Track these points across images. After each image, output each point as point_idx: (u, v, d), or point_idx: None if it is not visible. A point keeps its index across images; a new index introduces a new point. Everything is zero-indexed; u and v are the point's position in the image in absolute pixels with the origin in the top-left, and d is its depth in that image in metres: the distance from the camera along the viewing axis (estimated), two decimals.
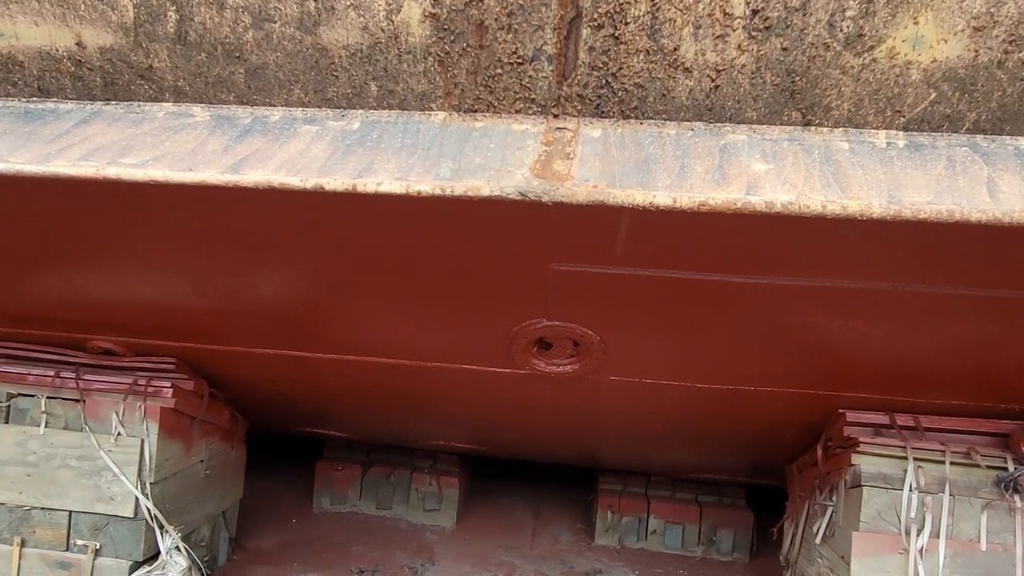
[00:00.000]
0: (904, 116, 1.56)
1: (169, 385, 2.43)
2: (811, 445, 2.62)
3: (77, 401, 2.40)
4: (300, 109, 1.69)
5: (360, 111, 1.68)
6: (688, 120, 1.62)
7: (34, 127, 1.67)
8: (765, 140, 1.58)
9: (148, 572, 2.31)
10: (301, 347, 2.40)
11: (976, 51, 1.47)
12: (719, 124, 1.61)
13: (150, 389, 2.41)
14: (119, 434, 2.36)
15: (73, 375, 2.42)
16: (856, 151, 1.55)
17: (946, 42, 1.47)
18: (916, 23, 1.46)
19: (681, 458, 3.25)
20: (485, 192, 1.43)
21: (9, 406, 2.41)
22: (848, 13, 1.45)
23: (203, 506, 2.73)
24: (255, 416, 3.10)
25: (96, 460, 2.35)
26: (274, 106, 1.70)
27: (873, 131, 1.59)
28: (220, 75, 1.67)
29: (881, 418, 2.28)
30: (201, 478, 2.70)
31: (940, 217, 1.37)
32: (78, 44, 1.66)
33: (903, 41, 1.47)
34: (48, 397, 2.39)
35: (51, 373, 2.43)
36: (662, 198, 1.41)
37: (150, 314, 2.32)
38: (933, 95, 1.53)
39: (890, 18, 1.45)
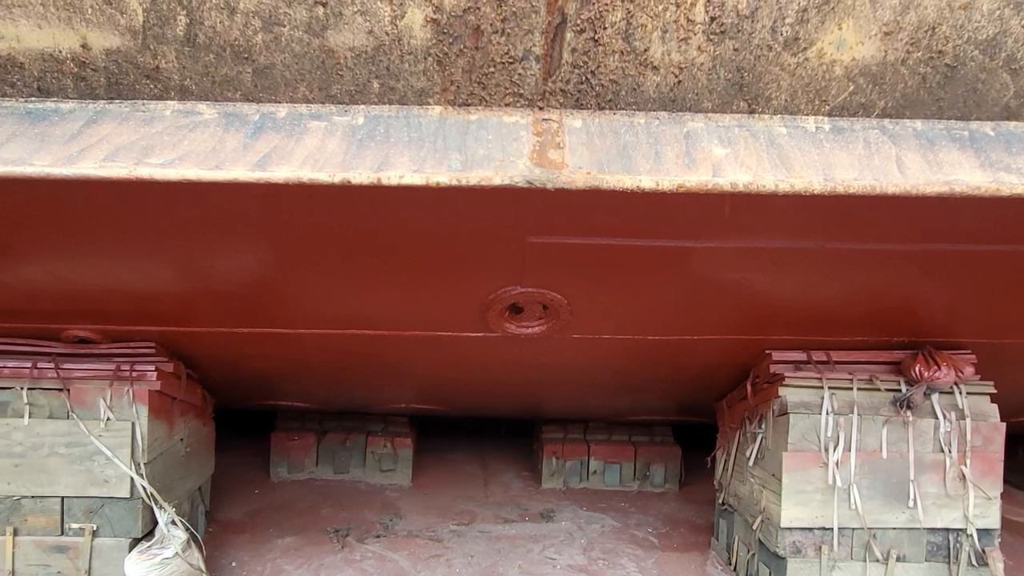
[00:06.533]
0: (828, 104, 1.88)
1: (153, 369, 2.50)
2: (739, 383, 3.01)
3: (60, 390, 2.44)
4: (305, 105, 1.82)
5: (362, 106, 1.83)
6: (654, 110, 1.87)
7: (43, 128, 1.73)
8: (720, 127, 1.86)
9: (149, 547, 2.42)
10: (284, 324, 2.53)
11: (885, 51, 1.80)
12: (680, 113, 1.88)
13: (134, 373, 2.48)
14: (108, 419, 2.42)
15: (51, 365, 2.45)
16: (792, 135, 1.86)
17: (863, 44, 1.79)
18: (840, 29, 1.76)
19: (621, 403, 3.59)
20: (496, 181, 1.64)
21: None
22: (787, 20, 1.74)
23: (184, 482, 2.83)
24: (221, 393, 3.19)
25: (87, 446, 2.41)
26: (279, 103, 1.82)
27: (804, 117, 1.90)
28: (227, 74, 1.77)
29: (799, 356, 2.67)
30: (182, 456, 2.79)
31: (865, 191, 1.70)
32: (83, 46, 1.71)
33: (830, 43, 1.78)
34: (29, 388, 2.42)
35: (28, 365, 2.45)
36: (647, 182, 1.67)
37: (131, 301, 2.38)
38: (852, 87, 1.85)
39: (820, 24, 1.75)
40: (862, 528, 2.48)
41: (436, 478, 4.09)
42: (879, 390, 2.56)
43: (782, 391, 2.58)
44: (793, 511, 2.49)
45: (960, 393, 2.51)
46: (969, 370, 2.53)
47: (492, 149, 1.74)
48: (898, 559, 2.49)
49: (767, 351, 2.70)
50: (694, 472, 4.12)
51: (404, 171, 1.64)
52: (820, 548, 2.49)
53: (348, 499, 3.67)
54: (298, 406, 3.67)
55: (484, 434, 4.82)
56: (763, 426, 2.74)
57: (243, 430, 4.19)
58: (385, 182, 1.62)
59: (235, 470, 3.98)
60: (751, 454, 2.78)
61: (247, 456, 4.17)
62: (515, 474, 4.28)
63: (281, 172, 1.62)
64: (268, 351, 2.72)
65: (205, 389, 3.06)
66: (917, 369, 2.50)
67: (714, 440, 3.67)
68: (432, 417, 4.23)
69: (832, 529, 2.48)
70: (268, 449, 4.01)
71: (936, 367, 2.48)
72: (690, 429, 4.15)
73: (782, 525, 2.49)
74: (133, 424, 2.43)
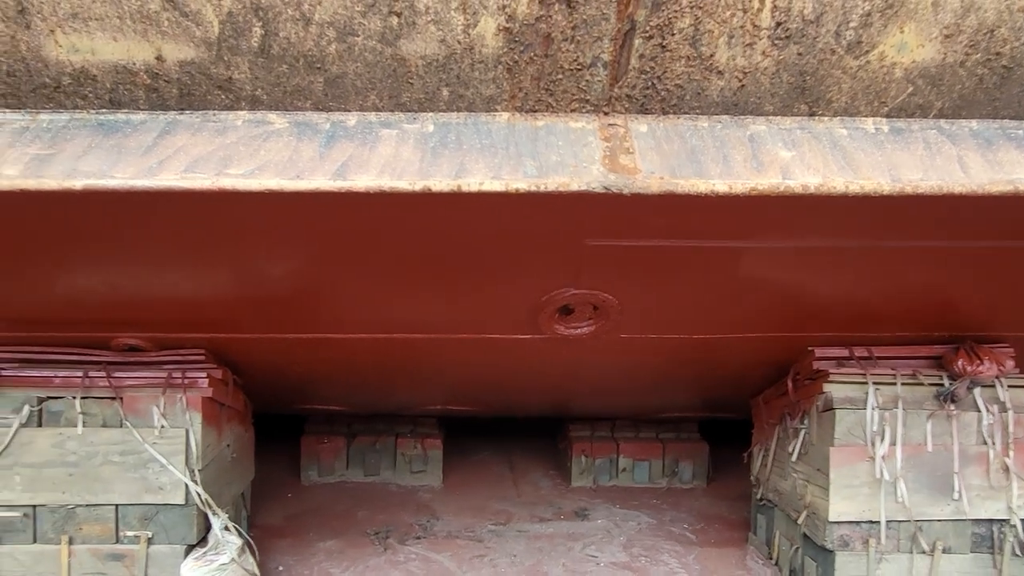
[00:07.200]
0: (887, 106, 1.91)
1: (205, 376, 2.51)
2: (777, 379, 3.04)
3: (112, 399, 2.44)
4: (374, 113, 1.84)
5: (431, 114, 1.84)
6: (716, 114, 1.90)
7: (117, 140, 1.73)
8: (782, 129, 1.89)
9: (204, 553, 2.43)
10: (333, 329, 2.54)
11: (945, 53, 1.83)
12: (742, 116, 1.90)
13: (186, 380, 2.49)
14: (162, 427, 2.43)
15: (103, 374, 2.46)
16: (853, 136, 1.89)
17: (923, 47, 1.82)
18: (902, 32, 1.79)
19: (654, 401, 3.63)
20: (574, 187, 1.66)
21: (41, 410, 2.42)
22: (851, 24, 1.77)
23: (231, 488, 2.84)
24: (260, 398, 3.19)
25: (141, 454, 2.42)
26: (349, 111, 1.84)
27: (863, 119, 1.93)
28: (299, 84, 1.78)
29: (842, 352, 2.71)
30: (228, 461, 2.80)
31: (932, 191, 1.74)
32: (157, 58, 1.72)
33: (891, 46, 1.81)
34: (82, 397, 2.42)
35: (79, 374, 2.45)
36: (720, 186, 1.69)
37: (181, 309, 2.39)
38: (910, 89, 1.88)
39: (883, 28, 1.78)
40: (908, 521, 2.52)
41: (466, 478, 4.11)
42: (922, 384, 2.60)
43: (827, 387, 2.62)
44: (841, 505, 2.52)
45: (1002, 386, 2.55)
46: (1010, 363, 2.57)
47: (564, 155, 1.76)
48: (944, 550, 2.53)
49: (809, 348, 2.73)
50: (719, 468, 4.17)
51: (483, 178, 1.66)
52: (867, 541, 2.53)
53: (382, 501, 3.69)
54: (334, 410, 3.68)
55: (508, 433, 4.83)
56: (806, 422, 2.77)
57: (268, 434, 4.19)
58: (465, 189, 1.64)
59: (265, 474, 3.96)
60: (794, 449, 2.82)
61: (275, 460, 4.17)
62: (543, 473, 4.30)
63: (361, 180, 1.64)
64: (315, 356, 2.73)
65: (246, 394, 3.07)
66: (960, 363, 2.54)
67: (739, 436, 3.71)
68: (458, 417, 4.24)
69: (879, 522, 2.52)
70: (295, 452, 4.02)
71: (979, 361, 2.52)
72: (714, 425, 4.19)
73: (830, 519, 2.52)
74: (187, 431, 2.44)
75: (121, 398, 2.44)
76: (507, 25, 1.71)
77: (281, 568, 2.88)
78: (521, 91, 1.83)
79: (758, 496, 3.22)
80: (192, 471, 2.44)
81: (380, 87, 1.80)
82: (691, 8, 1.71)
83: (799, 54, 1.80)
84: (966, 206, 1.85)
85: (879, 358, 2.68)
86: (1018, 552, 2.52)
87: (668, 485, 4.07)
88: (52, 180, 1.61)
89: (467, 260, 2.12)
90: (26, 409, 2.40)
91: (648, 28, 1.74)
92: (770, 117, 1.91)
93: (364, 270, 2.19)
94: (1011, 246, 2.17)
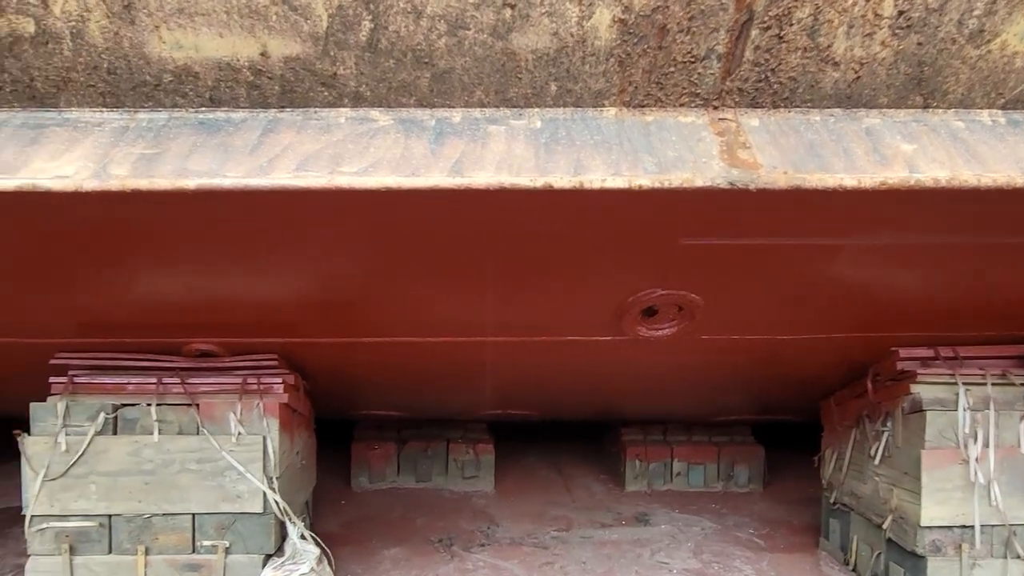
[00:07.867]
0: (1004, 97, 1.85)
1: (280, 381, 2.46)
2: (850, 381, 2.98)
3: (188, 406, 2.39)
4: (479, 110, 1.79)
5: (536, 109, 1.79)
6: (828, 107, 1.84)
7: (221, 138, 1.68)
8: (896, 123, 1.83)
9: (283, 562, 2.37)
10: (408, 333, 2.48)
11: None
12: (854, 110, 1.85)
13: (262, 386, 2.43)
14: (240, 434, 2.38)
15: (177, 380, 2.41)
16: (971, 129, 1.83)
17: None
18: None
19: (715, 402, 3.56)
20: (698, 183, 1.60)
21: (116, 417, 2.37)
22: (975, 12, 1.71)
23: (300, 495, 2.79)
24: (320, 404, 3.14)
25: (218, 461, 2.37)
26: (453, 107, 1.78)
27: (977, 111, 1.87)
28: (405, 80, 1.73)
29: (926, 352, 2.64)
30: (299, 468, 2.75)
31: None
32: (262, 54, 1.67)
33: (1014, 35, 1.75)
34: (157, 404, 2.37)
35: (153, 380, 2.40)
36: (848, 180, 1.64)
37: (256, 313, 2.33)
38: None
39: (1007, 16, 1.72)
40: (1002, 525, 2.45)
41: (517, 484, 4.04)
42: (1013, 384, 2.53)
43: (914, 388, 2.55)
44: (933, 510, 2.45)
45: None
46: None
47: (680, 150, 1.71)
48: None
49: (892, 348, 2.66)
50: (773, 471, 4.10)
51: (604, 174, 1.61)
52: (960, 546, 2.46)
53: (438, 508, 3.63)
54: (386, 415, 3.63)
55: (553, 437, 4.77)
56: (889, 424, 2.71)
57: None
58: (587, 186, 1.59)
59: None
60: (876, 452, 2.75)
61: (322, 466, 4.10)
62: (593, 477, 4.24)
63: (480, 177, 1.58)
64: (386, 361, 2.67)
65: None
66: None
67: (791, 438, 3.65)
68: (503, 422, 4.18)
69: (972, 527, 2.44)
70: (340, 458, 3.96)
71: None
72: (765, 428, 4.12)
73: (922, 524, 2.45)
74: (264, 438, 2.39)
75: (197, 405, 2.38)
76: (622, 16, 1.66)
77: None
78: (631, 85, 1.77)
79: (831, 500, 3.15)
80: (270, 479, 2.39)
81: (488, 82, 1.75)
82: None
83: (919, 44, 1.75)
84: None
85: (965, 358, 2.61)
86: None
87: (724, 489, 4.00)
88: (164, 180, 1.56)
89: (562, 260, 2.06)
90: (101, 417, 2.34)
91: (766, 18, 1.69)
92: (883, 110, 1.85)
93: (451, 272, 2.13)
94: None
